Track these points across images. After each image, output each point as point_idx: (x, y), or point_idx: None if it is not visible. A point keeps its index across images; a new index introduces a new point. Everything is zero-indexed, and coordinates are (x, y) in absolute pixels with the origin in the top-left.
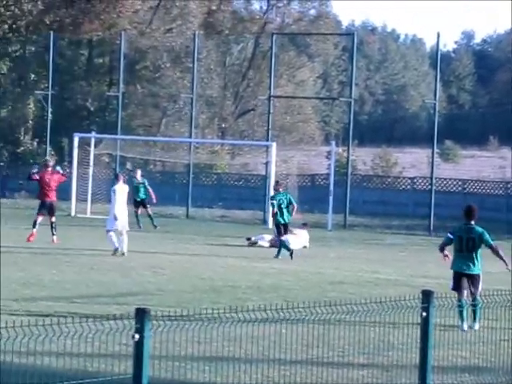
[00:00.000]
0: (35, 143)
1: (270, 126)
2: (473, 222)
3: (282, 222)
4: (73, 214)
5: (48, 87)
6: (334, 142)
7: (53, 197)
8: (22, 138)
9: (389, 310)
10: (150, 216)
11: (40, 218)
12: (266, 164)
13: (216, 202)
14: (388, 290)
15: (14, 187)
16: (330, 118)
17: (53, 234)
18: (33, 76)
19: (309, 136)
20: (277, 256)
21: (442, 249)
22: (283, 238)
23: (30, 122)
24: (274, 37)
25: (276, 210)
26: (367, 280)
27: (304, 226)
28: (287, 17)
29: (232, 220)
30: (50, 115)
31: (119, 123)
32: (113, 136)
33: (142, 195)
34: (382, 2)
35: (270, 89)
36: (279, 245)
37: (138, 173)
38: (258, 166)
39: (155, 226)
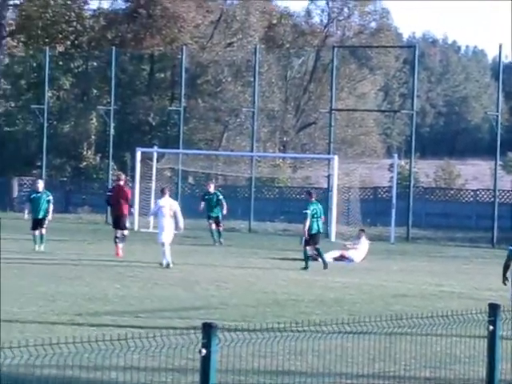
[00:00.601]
0: (98, 158)
1: (331, 139)
2: None
3: (314, 232)
4: (136, 228)
5: (110, 102)
6: (396, 155)
7: (125, 210)
8: (84, 153)
9: (454, 324)
10: (219, 232)
11: (119, 232)
12: (328, 177)
13: (278, 215)
14: (452, 303)
15: (78, 202)
16: (391, 131)
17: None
18: (95, 91)
19: (371, 149)
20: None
21: (505, 268)
22: (347, 254)
23: (93, 137)
24: (335, 50)
25: (310, 219)
26: (431, 293)
27: (361, 232)
28: (348, 30)
29: (294, 233)
30: (112, 130)
31: (181, 137)
32: (175, 150)
33: (216, 210)
34: (443, 14)
35: (331, 102)
36: (318, 254)
37: (211, 186)
38: (320, 179)
39: (220, 243)
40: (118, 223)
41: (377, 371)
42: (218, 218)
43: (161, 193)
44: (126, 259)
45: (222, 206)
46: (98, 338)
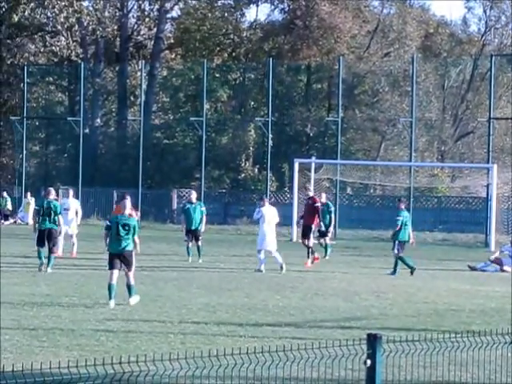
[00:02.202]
0: (256, 170)
1: (490, 148)
2: None
3: (403, 239)
4: (294, 239)
5: (268, 113)
6: None
7: (313, 221)
8: (242, 164)
9: None
10: (326, 246)
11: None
12: (487, 186)
13: (437, 225)
14: None
15: (236, 214)
16: None
17: (308, 257)
18: (252, 103)
19: None
20: (393, 273)
21: None
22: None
23: (251, 148)
24: (493, 58)
25: (400, 226)
26: None
27: None
28: (505, 38)
29: (453, 243)
30: (270, 141)
31: (339, 148)
32: (333, 161)
33: (326, 221)
34: None
35: (489, 111)
36: (395, 261)
37: (323, 196)
38: (479, 189)
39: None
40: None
41: None
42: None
43: (260, 200)
44: (286, 269)
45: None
46: (258, 349)
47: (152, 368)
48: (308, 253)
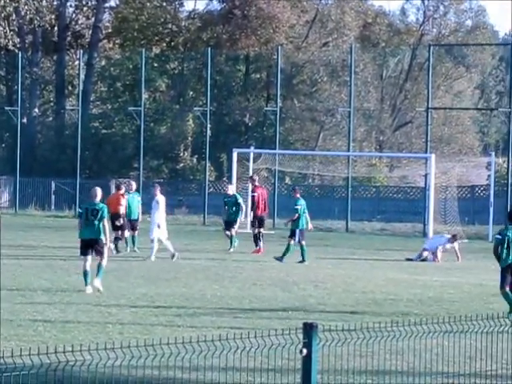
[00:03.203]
0: (194, 159)
1: (428, 138)
2: None
3: (301, 227)
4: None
5: (206, 103)
6: (493, 153)
7: (263, 211)
8: (181, 154)
9: None
10: (231, 237)
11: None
12: (425, 176)
13: (375, 214)
14: None
15: (174, 203)
16: (488, 129)
17: (256, 245)
18: (191, 92)
19: (467, 147)
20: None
21: (496, 252)
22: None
23: (189, 138)
24: (431, 48)
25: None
26: None
27: (453, 238)
28: (443, 28)
29: (391, 233)
30: (208, 131)
31: (277, 138)
32: (271, 151)
33: (231, 214)
34: None
35: (427, 100)
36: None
37: (230, 187)
38: (417, 178)
39: (231, 247)
40: (263, 223)
41: (476, 370)
42: (232, 220)
43: (153, 189)
44: (225, 259)
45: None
46: (198, 338)
47: (88, 358)
48: (258, 240)
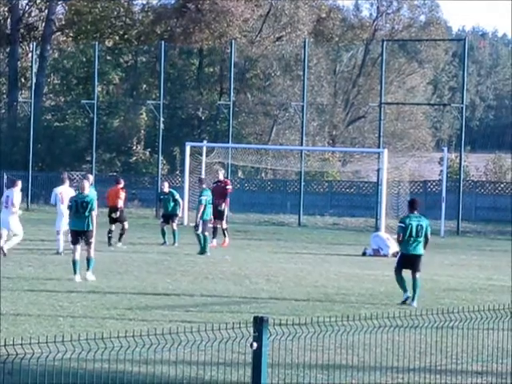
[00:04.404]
0: (147, 153)
1: (381, 133)
2: (416, 212)
3: (206, 217)
4: (185, 223)
5: (159, 97)
6: (445, 148)
7: (223, 204)
8: (134, 147)
9: (505, 317)
10: (174, 232)
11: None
12: (378, 171)
13: (328, 209)
14: (502, 297)
15: (128, 196)
16: (441, 124)
17: (225, 237)
18: (144, 86)
19: (420, 142)
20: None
21: (399, 241)
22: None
23: (142, 131)
24: (385, 43)
25: (204, 205)
26: (481, 287)
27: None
28: (397, 23)
29: (344, 227)
30: (161, 125)
31: (230, 132)
32: (224, 144)
33: (169, 209)
34: (493, 7)
35: (380, 96)
36: (203, 239)
37: (166, 185)
38: (370, 173)
39: (174, 243)
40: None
41: (427, 365)
42: (171, 215)
43: (61, 181)
44: (177, 253)
45: (179, 206)
46: (148, 332)
47: (38, 351)
48: (224, 233)
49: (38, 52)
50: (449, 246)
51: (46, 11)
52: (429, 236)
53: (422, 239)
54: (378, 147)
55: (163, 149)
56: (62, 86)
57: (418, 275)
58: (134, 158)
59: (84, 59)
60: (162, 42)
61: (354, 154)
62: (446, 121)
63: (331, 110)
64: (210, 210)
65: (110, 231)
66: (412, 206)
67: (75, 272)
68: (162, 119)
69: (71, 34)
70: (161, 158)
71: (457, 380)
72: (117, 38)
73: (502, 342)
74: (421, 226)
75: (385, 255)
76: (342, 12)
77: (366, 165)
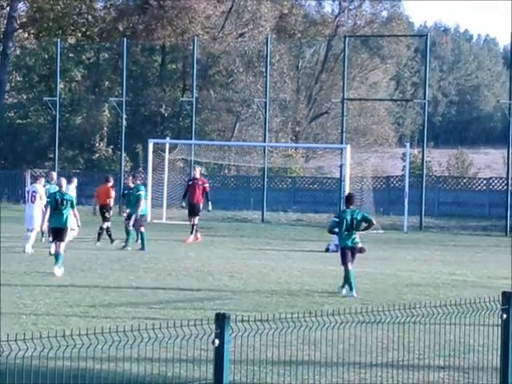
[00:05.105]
0: (110, 150)
1: (343, 129)
2: (352, 207)
3: (144, 213)
4: (148, 219)
5: (122, 94)
6: (408, 144)
7: (201, 200)
8: (97, 144)
9: (467, 312)
10: (127, 231)
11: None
12: (341, 167)
13: (291, 205)
14: (465, 292)
15: (91, 194)
16: (403, 120)
17: (191, 234)
18: (107, 83)
19: (383, 138)
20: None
21: (332, 232)
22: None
23: (105, 128)
24: (347, 39)
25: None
26: (444, 282)
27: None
28: (359, 19)
29: (307, 223)
30: (124, 122)
31: (193, 128)
32: (187, 141)
33: (131, 206)
34: (455, 3)
35: (343, 91)
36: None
37: (130, 179)
38: (333, 169)
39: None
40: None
41: (390, 360)
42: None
43: (34, 181)
44: (139, 251)
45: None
46: (111, 329)
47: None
48: (192, 230)
49: None
50: (412, 241)
51: (8, 8)
52: (372, 221)
53: (355, 231)
54: (341, 143)
55: (126, 146)
56: (24, 84)
57: (351, 266)
58: (97, 155)
59: (46, 56)
60: (125, 39)
61: (317, 150)
62: (408, 116)
63: (294, 106)
64: (146, 206)
65: (101, 228)
66: (348, 200)
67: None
68: (124, 116)
69: (33, 32)
70: (124, 154)
71: (420, 375)
72: (79, 35)
73: (465, 336)
74: (356, 218)
75: None
76: (304, 8)
77: (329, 161)
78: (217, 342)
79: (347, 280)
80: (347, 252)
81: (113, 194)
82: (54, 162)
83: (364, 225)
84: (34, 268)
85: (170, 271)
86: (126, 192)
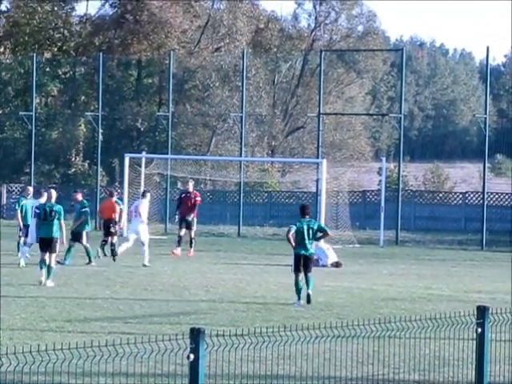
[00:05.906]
0: (86, 164)
1: (319, 143)
2: (307, 217)
3: (87, 229)
4: (125, 234)
5: (98, 108)
6: (384, 158)
7: (192, 214)
8: (73, 159)
9: (443, 326)
10: (86, 249)
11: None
12: (317, 181)
13: (267, 219)
14: (441, 306)
15: (66, 209)
16: (379, 134)
17: (178, 245)
18: (83, 97)
19: (359, 152)
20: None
21: (288, 238)
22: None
23: (81, 143)
24: (323, 54)
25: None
26: (420, 296)
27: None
28: (335, 33)
29: (283, 238)
30: (100, 136)
31: (169, 143)
32: (163, 156)
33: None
34: (430, 17)
35: (319, 106)
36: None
37: (78, 194)
38: (309, 183)
39: (89, 262)
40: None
41: (366, 374)
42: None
43: (23, 196)
44: (115, 264)
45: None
46: (86, 344)
47: None
48: (179, 242)
49: None
50: (387, 255)
51: None
52: (328, 232)
53: (312, 241)
54: (317, 157)
55: (102, 160)
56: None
57: (310, 274)
58: (73, 170)
59: (22, 71)
60: (101, 54)
61: (293, 164)
62: (384, 131)
63: (270, 121)
64: (89, 221)
65: (104, 241)
66: (303, 211)
67: (41, 268)
68: (100, 131)
69: (9, 46)
70: (100, 169)
71: None
72: (55, 49)
73: (440, 351)
74: (312, 228)
75: (323, 265)
76: (280, 22)
77: (305, 175)
78: (192, 356)
79: (295, 287)
80: (300, 260)
81: (118, 208)
82: (30, 176)
83: (320, 234)
84: (11, 281)
85: (146, 286)
86: (75, 206)
